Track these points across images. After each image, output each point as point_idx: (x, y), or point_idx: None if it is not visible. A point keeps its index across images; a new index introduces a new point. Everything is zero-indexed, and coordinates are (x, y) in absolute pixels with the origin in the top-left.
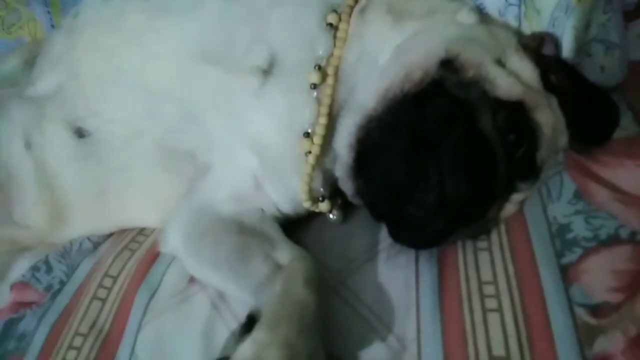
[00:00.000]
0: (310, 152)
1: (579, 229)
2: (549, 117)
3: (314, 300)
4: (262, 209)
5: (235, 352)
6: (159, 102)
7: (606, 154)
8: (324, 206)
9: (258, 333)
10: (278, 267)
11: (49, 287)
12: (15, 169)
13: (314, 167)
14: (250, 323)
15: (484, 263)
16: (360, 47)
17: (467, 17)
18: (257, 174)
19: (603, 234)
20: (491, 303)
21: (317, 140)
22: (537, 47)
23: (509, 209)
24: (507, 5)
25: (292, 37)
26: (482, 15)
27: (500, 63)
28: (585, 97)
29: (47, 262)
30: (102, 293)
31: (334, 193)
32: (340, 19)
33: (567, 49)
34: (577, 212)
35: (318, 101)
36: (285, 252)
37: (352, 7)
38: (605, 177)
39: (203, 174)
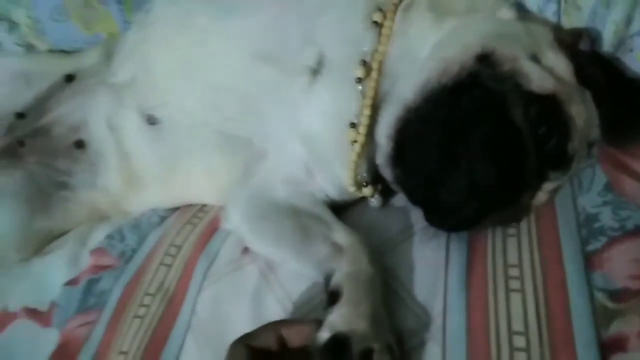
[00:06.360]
0: (356, 141)
1: (606, 219)
2: (581, 110)
3: (379, 276)
4: (313, 194)
5: (327, 322)
6: (221, 95)
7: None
8: (367, 191)
9: (345, 309)
10: (337, 247)
11: (122, 254)
12: (102, 143)
13: (359, 155)
14: (332, 298)
15: (512, 248)
16: (402, 43)
17: (506, 14)
18: (307, 163)
19: (630, 225)
20: (515, 284)
21: (362, 130)
22: (573, 42)
23: (541, 197)
24: (546, 2)
25: (339, 38)
26: (522, 11)
27: (535, 58)
28: (618, 92)
29: (120, 232)
30: (168, 260)
31: (375, 179)
32: (385, 17)
33: (606, 44)
34: (606, 203)
35: (363, 94)
36: (341, 234)
37: (396, 6)
38: (637, 171)
39: (258, 159)
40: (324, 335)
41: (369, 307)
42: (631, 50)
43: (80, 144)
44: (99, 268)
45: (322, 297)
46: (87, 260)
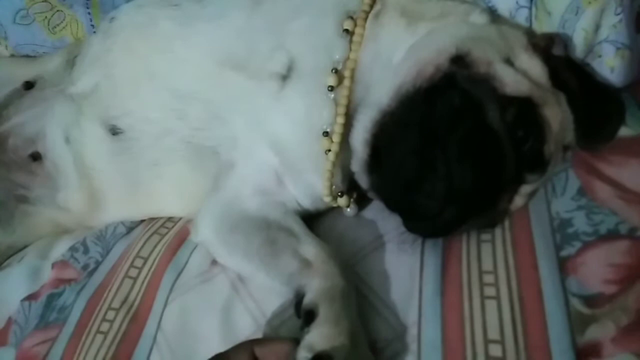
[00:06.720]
0: (330, 150)
1: (580, 223)
2: (556, 113)
3: (353, 289)
4: (285, 204)
5: (306, 342)
6: (186, 103)
7: (613, 152)
8: (342, 201)
9: (324, 328)
10: (306, 262)
11: (85, 266)
12: (60, 157)
13: (334, 164)
14: (308, 317)
15: (486, 254)
16: (375, 48)
17: (478, 18)
18: (278, 171)
19: (603, 229)
20: (490, 291)
21: (336, 138)
22: (547, 46)
23: (518, 201)
24: (518, 8)
25: (310, 45)
26: (494, 16)
27: (509, 62)
28: (591, 96)
29: (84, 244)
30: (133, 272)
31: (350, 187)
32: (355, 25)
33: (576, 51)
34: (579, 208)
35: (335, 102)
36: (310, 247)
37: (367, 13)
38: (609, 175)
39: (227, 170)
40: (304, 355)
41: (347, 323)
42: (600, 56)
43: (36, 157)
44: (61, 282)
45: (294, 310)
46: (48, 274)
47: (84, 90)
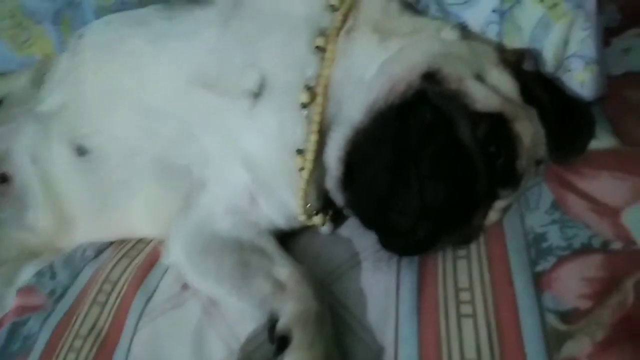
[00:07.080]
0: (303, 168)
1: (554, 238)
2: (528, 128)
3: (327, 311)
4: (258, 223)
5: None
6: (157, 121)
7: (585, 165)
8: (317, 219)
9: (298, 354)
10: (279, 284)
11: (52, 292)
12: (27, 178)
13: (308, 182)
14: (281, 343)
15: (462, 271)
16: (347, 65)
17: (449, 34)
18: (251, 189)
19: (577, 243)
20: (466, 309)
21: (310, 156)
22: (517, 61)
23: (493, 216)
24: (488, 23)
25: (282, 62)
26: (465, 32)
27: (480, 78)
28: (562, 110)
29: (51, 268)
30: (101, 297)
31: (325, 204)
32: (327, 41)
33: (547, 65)
34: (553, 222)
35: (308, 119)
36: (283, 269)
37: (339, 29)
38: (582, 188)
39: (199, 189)
40: None
41: (322, 347)
42: (569, 71)
43: (4, 178)
44: (26, 309)
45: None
46: (12, 301)
47: (51, 108)
